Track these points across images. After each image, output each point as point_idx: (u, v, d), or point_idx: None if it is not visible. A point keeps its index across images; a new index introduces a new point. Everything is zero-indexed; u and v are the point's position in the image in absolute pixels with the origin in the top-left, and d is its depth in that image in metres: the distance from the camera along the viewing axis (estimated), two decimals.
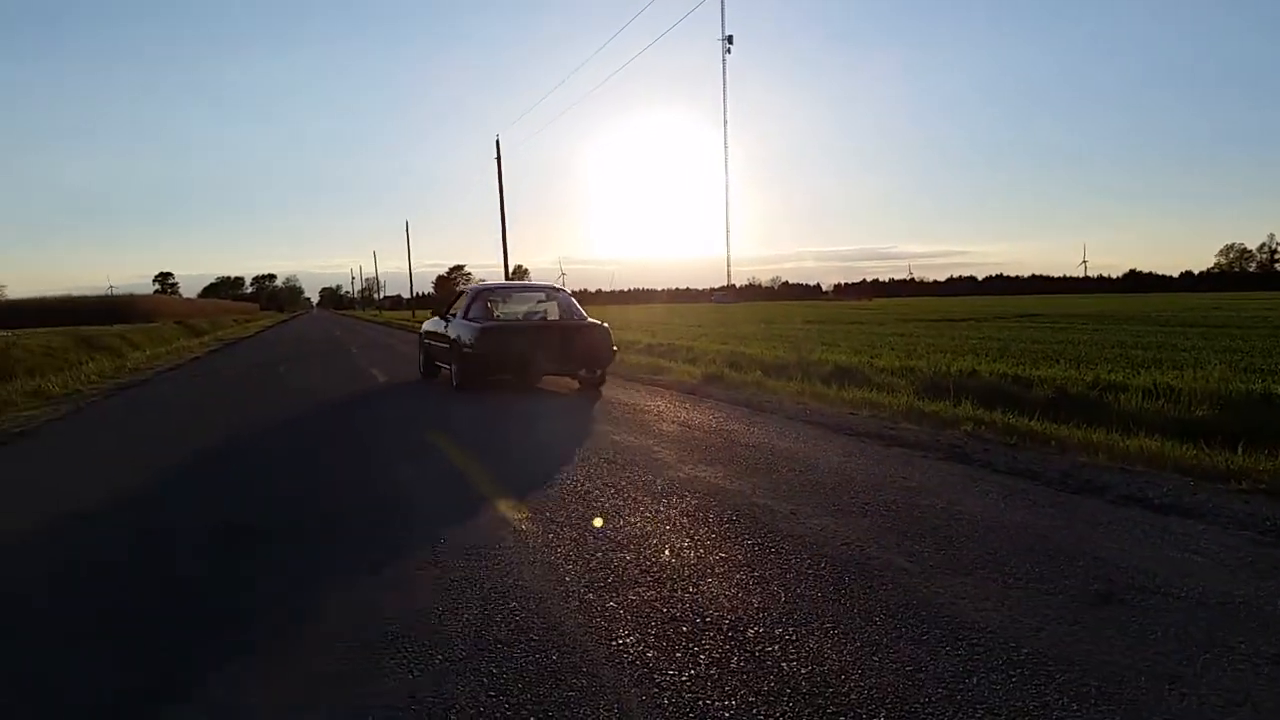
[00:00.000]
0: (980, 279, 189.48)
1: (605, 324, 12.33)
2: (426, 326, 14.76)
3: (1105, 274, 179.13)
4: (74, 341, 24.14)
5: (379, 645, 3.25)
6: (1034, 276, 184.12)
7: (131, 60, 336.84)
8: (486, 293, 13.60)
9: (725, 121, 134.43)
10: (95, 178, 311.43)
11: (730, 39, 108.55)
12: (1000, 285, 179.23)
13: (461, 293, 14.25)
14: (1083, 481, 5.86)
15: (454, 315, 12.95)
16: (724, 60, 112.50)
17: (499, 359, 11.84)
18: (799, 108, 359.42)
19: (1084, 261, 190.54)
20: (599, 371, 12.33)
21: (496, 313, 13.23)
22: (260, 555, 4.56)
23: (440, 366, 13.86)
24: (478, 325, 11.96)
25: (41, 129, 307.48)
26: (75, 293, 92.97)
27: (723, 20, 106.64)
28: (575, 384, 12.93)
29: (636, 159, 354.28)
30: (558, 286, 14.46)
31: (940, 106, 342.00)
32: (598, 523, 4.96)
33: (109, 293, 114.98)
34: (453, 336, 12.45)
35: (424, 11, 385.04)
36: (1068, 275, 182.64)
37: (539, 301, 14.16)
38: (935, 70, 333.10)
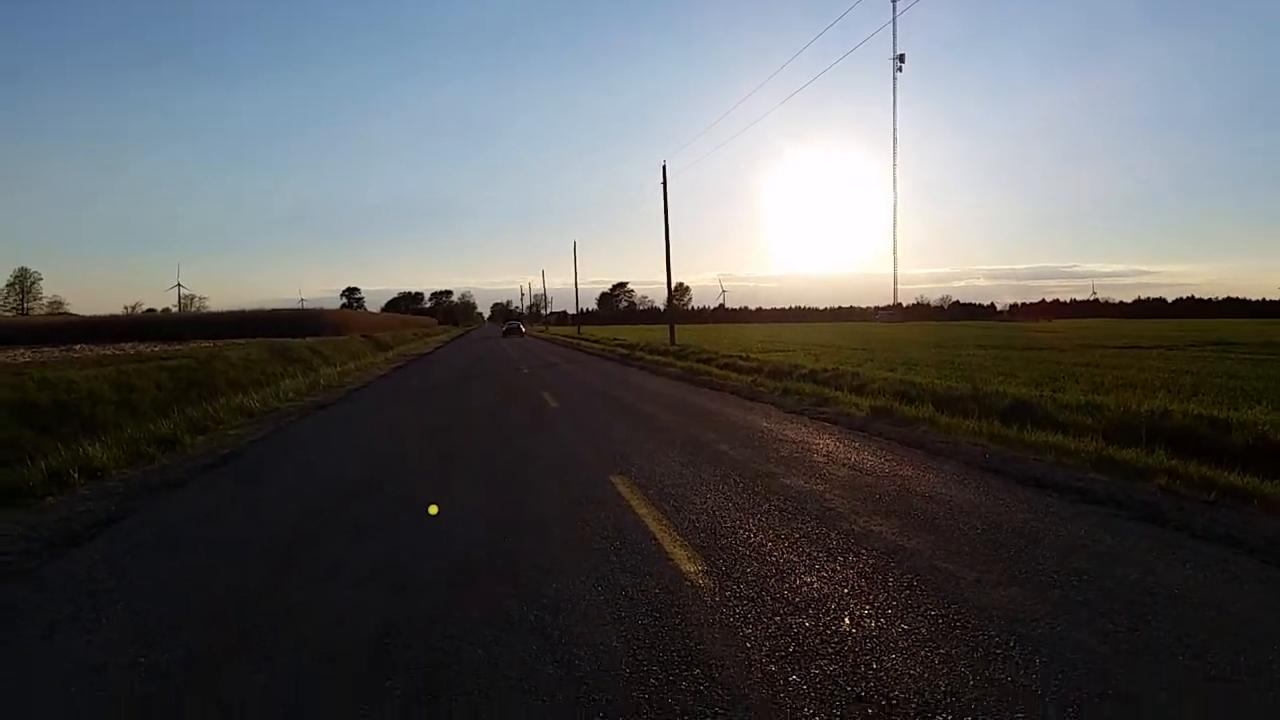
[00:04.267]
0: (1170, 301, 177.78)
1: None
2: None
3: None
4: (269, 353, 26.12)
5: None
6: (1229, 299, 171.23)
7: (325, 87, 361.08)
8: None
9: (895, 139, 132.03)
10: (290, 196, 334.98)
11: (902, 58, 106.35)
12: (1191, 308, 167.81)
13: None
14: None
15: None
16: (894, 78, 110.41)
17: None
18: (973, 121, 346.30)
19: None
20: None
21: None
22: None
23: None
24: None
25: (240, 148, 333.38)
26: (269, 306, 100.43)
27: (894, 39, 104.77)
28: (753, 417, 13.09)
29: (800, 177, 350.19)
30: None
31: (1126, 120, 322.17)
32: (774, 584, 5.02)
33: (300, 306, 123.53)
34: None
35: (597, 38, 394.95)
36: (1267, 299, 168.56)
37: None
38: (1121, 83, 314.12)
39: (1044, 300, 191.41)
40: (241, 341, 42.37)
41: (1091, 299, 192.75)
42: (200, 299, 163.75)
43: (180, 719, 3.49)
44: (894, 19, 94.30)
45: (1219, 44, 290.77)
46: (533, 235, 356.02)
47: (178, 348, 35.13)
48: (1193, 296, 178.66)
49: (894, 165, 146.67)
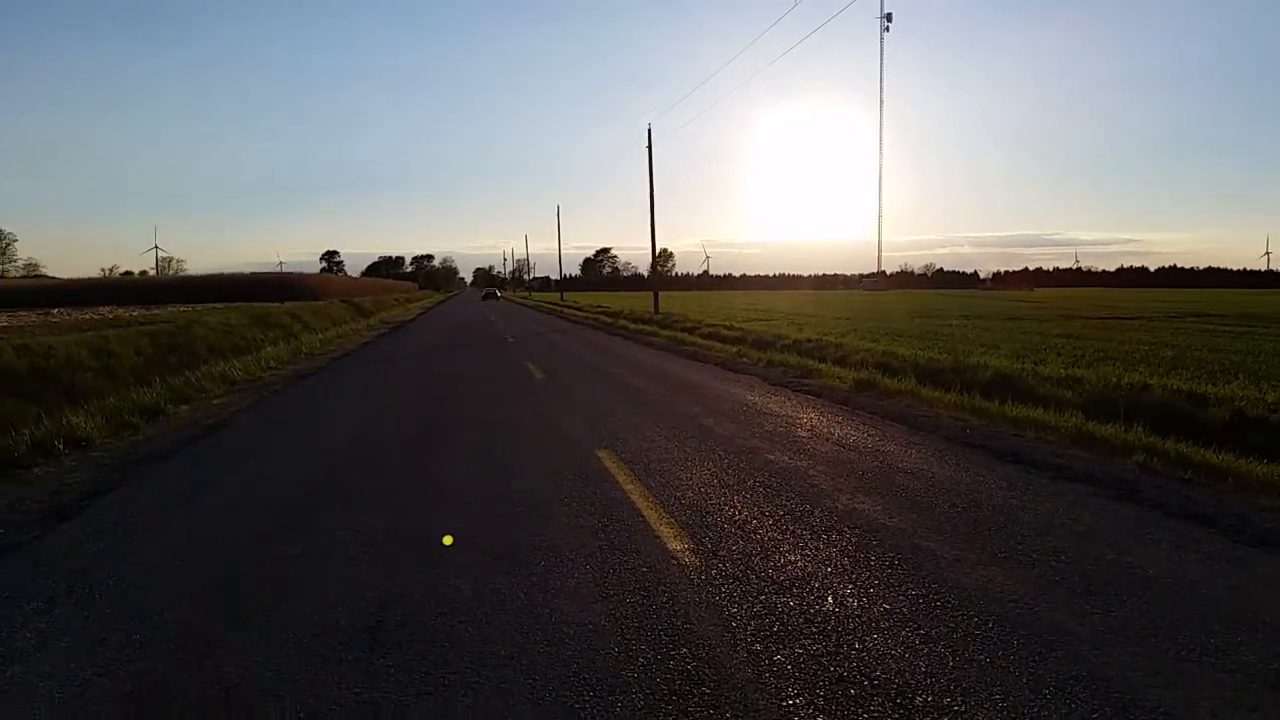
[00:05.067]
0: (1152, 270, 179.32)
1: None
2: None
3: None
4: (249, 319, 26.01)
5: None
6: (1210, 269, 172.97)
7: (301, 45, 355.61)
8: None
9: (881, 101, 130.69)
10: (267, 158, 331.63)
11: (889, 17, 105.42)
12: (1174, 277, 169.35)
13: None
14: (1263, 531, 5.64)
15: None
16: (882, 39, 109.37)
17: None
18: (959, 86, 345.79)
19: (1266, 253, 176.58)
20: None
21: None
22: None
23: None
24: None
25: (216, 110, 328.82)
26: (248, 269, 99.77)
27: None
28: (737, 390, 13.25)
29: (784, 142, 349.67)
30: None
31: (1113, 86, 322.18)
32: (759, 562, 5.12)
33: (279, 269, 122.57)
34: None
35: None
36: (1248, 269, 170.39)
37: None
38: (1107, 48, 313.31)
39: (1027, 269, 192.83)
40: (220, 306, 42.10)
41: (1075, 267, 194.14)
42: (178, 262, 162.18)
43: (177, 699, 3.54)
44: None
45: (1206, 15, 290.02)
46: (516, 199, 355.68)
47: (156, 312, 34.86)
48: (1175, 266, 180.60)
49: (880, 130, 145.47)
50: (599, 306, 56.53)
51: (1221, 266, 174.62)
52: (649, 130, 40.97)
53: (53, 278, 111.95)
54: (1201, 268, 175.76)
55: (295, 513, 6.43)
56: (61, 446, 8.87)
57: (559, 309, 60.16)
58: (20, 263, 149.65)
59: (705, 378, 15.45)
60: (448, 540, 5.61)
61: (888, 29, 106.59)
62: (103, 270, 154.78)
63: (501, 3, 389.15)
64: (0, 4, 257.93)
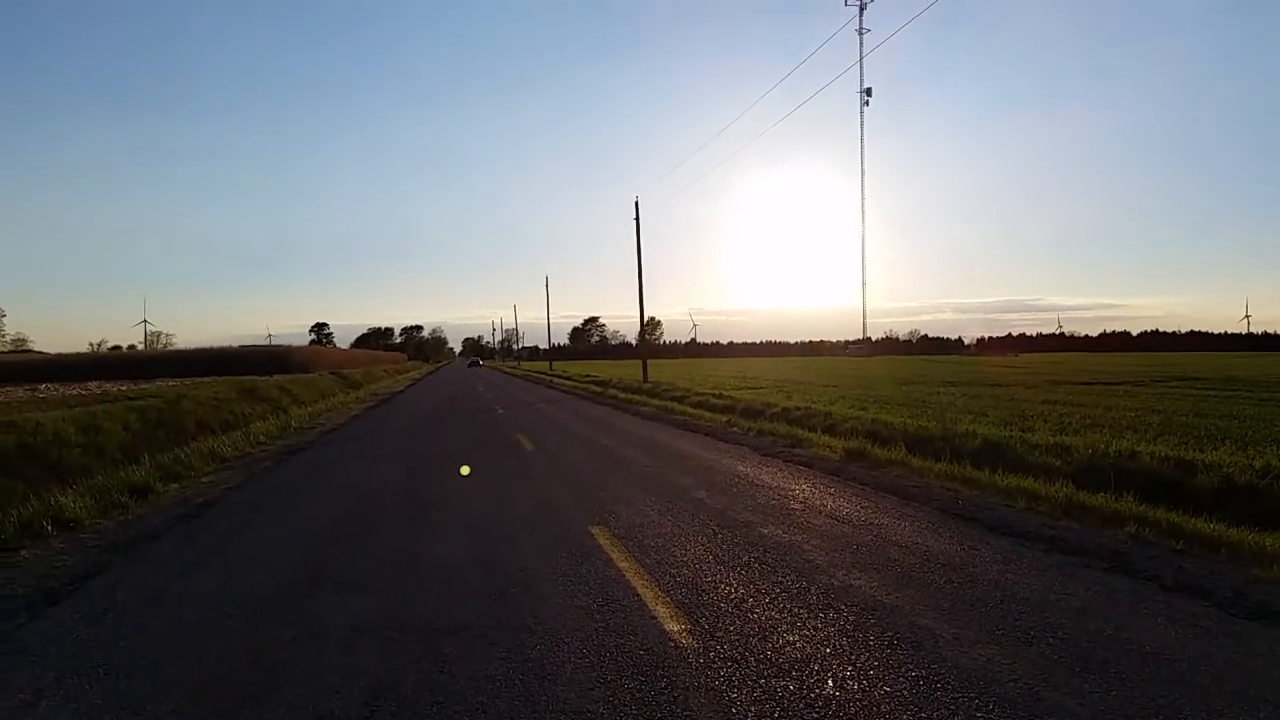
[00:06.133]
0: (1135, 334, 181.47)
1: None
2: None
3: (1270, 330, 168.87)
4: (238, 393, 25.93)
5: None
6: (1192, 333, 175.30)
7: (290, 119, 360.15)
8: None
9: (862, 172, 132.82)
10: (256, 231, 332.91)
11: (869, 92, 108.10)
12: (1156, 341, 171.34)
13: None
14: (1257, 604, 5.66)
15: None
16: (862, 112, 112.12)
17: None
18: (941, 157, 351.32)
19: (1247, 316, 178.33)
20: None
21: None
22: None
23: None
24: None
25: (204, 184, 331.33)
26: (237, 342, 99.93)
27: (861, 73, 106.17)
28: (728, 461, 13.25)
29: (770, 210, 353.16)
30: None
31: (1089, 156, 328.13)
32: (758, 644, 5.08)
33: (268, 342, 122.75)
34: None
35: (567, 75, 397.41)
36: (1229, 332, 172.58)
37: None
38: (1083, 121, 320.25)
39: (1010, 334, 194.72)
40: (209, 380, 41.88)
41: (1057, 333, 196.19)
42: (167, 335, 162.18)
43: None
44: (860, 58, 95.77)
45: (1180, 76, 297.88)
46: (504, 269, 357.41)
47: (145, 387, 34.70)
48: (1157, 330, 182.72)
49: (862, 200, 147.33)
50: (588, 375, 56.67)
51: (1203, 330, 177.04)
52: (636, 203, 41.54)
53: (40, 352, 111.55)
54: (1184, 331, 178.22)
55: (287, 595, 6.36)
56: (49, 527, 8.78)
57: (548, 378, 60.27)
58: (8, 337, 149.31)
59: (695, 448, 15.46)
60: (441, 621, 5.56)
61: (868, 103, 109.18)
62: (91, 345, 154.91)
63: (490, 79, 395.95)
64: None
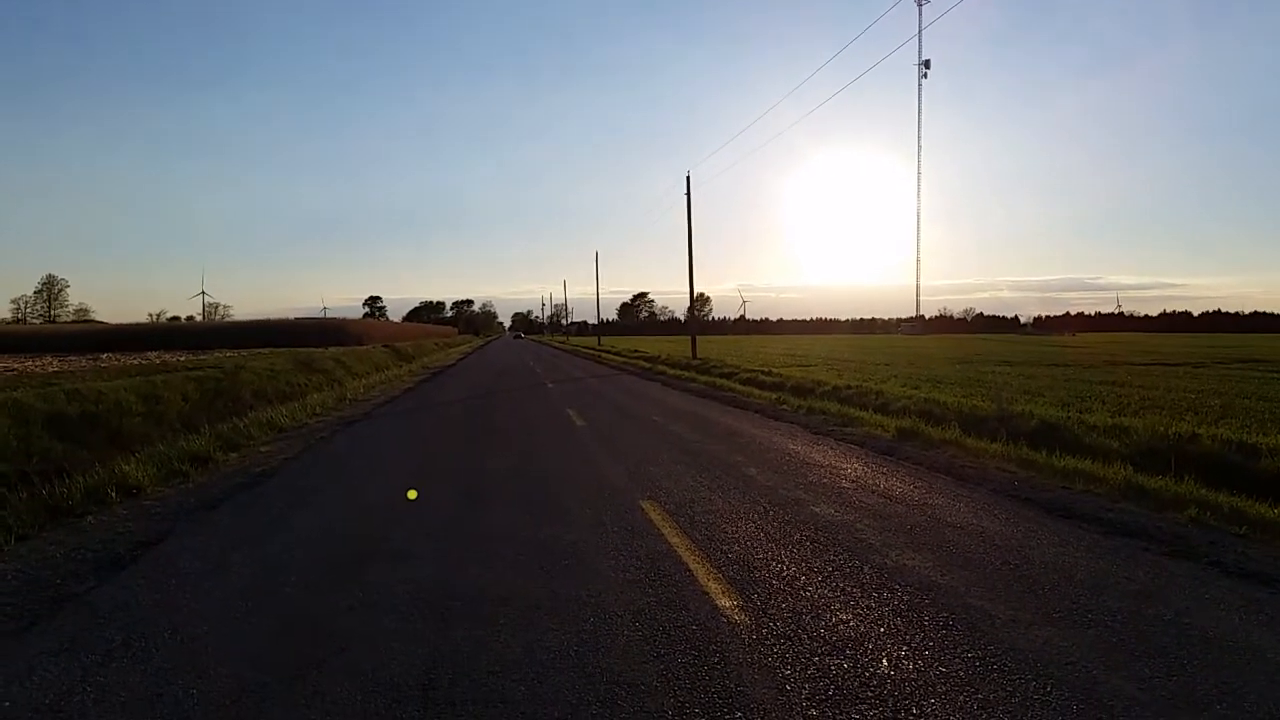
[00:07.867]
0: (1196, 315, 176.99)
1: None
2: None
3: None
4: (294, 364, 26.35)
5: None
6: (1256, 314, 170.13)
7: (351, 93, 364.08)
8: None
9: (919, 146, 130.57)
10: (312, 205, 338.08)
11: (927, 64, 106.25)
12: (1217, 322, 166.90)
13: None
14: None
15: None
16: (920, 85, 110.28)
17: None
18: (999, 131, 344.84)
19: None
20: None
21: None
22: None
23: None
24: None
25: (262, 158, 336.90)
26: (292, 315, 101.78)
27: (919, 45, 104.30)
28: (779, 438, 13.22)
29: (822, 186, 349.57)
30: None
31: (1153, 131, 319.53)
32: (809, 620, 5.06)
33: (323, 314, 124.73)
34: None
35: (623, 49, 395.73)
36: None
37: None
38: (1147, 95, 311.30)
39: (1068, 313, 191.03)
40: (266, 351, 42.82)
41: (1116, 312, 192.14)
42: (225, 307, 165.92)
43: None
44: (919, 29, 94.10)
45: (1247, 50, 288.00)
46: (555, 244, 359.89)
47: (203, 357, 35.54)
48: (1219, 310, 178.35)
49: (918, 174, 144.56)
50: (636, 351, 56.69)
51: (1267, 311, 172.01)
52: (688, 178, 41.20)
53: (102, 323, 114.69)
54: (1246, 312, 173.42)
55: (346, 563, 6.47)
56: (114, 494, 9.01)
57: (597, 354, 60.36)
58: (71, 308, 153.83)
59: (745, 425, 15.42)
60: (495, 591, 5.63)
61: (926, 75, 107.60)
62: (150, 315, 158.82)
63: (542, 58, 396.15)
64: (50, 56, 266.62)
